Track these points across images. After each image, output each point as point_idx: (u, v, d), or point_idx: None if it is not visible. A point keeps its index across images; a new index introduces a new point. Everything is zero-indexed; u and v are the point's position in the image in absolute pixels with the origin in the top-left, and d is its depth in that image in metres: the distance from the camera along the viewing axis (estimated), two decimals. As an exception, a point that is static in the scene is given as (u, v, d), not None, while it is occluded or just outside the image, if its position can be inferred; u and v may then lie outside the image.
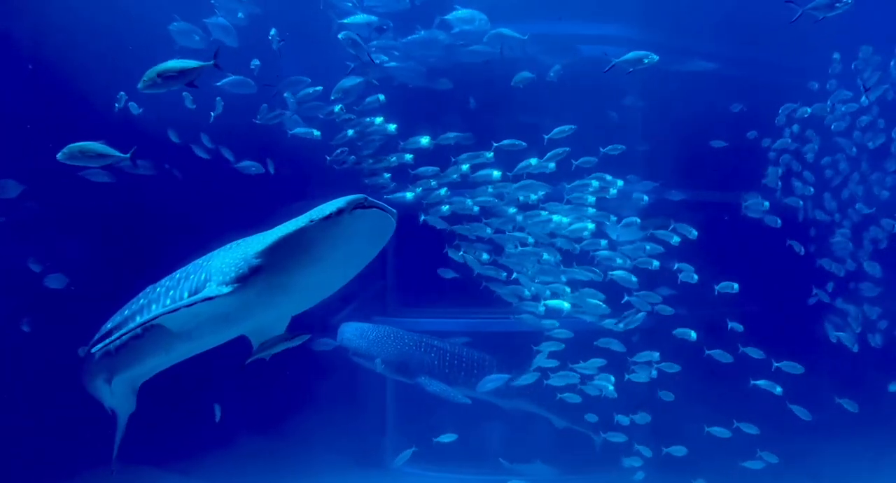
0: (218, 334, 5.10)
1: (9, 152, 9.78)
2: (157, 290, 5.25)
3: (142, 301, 5.36)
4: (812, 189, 11.42)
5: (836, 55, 11.19)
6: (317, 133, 9.45)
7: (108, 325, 5.63)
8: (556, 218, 9.40)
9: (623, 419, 9.93)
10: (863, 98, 11.11)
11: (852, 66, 11.26)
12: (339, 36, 8.37)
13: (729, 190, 11.53)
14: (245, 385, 10.45)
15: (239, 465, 10.62)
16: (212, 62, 5.70)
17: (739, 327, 10.07)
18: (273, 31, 9.39)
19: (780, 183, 11.36)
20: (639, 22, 10.64)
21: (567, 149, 9.11)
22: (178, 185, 10.48)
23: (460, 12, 10.08)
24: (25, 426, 9.72)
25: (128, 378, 5.71)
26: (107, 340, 5.48)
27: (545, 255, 9.44)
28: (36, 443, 9.75)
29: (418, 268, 10.23)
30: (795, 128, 11.28)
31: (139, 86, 5.69)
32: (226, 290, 4.64)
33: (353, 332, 10.24)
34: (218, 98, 9.66)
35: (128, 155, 5.73)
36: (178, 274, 5.19)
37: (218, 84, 9.12)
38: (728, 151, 11.26)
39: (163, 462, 10.28)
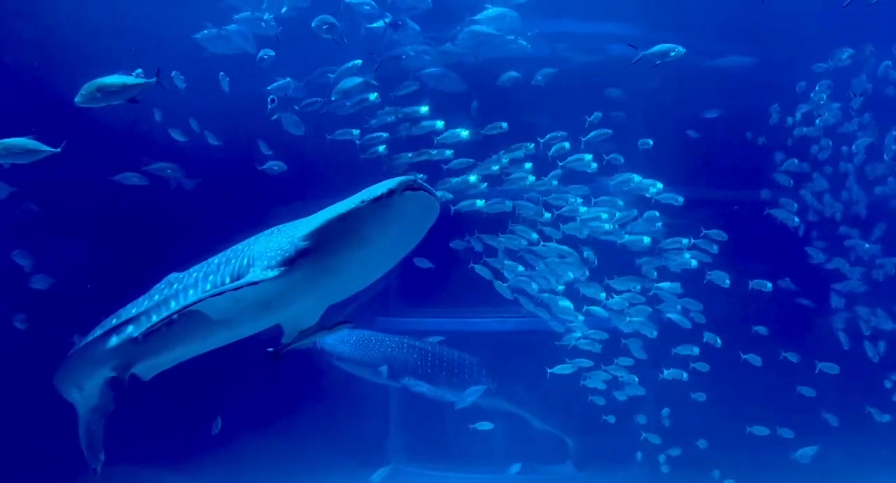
0: (257, 321, 4.97)
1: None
2: (194, 275, 5.12)
3: (175, 286, 5.19)
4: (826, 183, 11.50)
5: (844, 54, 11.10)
6: (356, 132, 9.42)
7: (133, 310, 5.43)
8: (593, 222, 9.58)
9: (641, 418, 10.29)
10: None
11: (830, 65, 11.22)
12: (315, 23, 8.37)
13: (734, 188, 11.52)
14: (247, 385, 10.45)
15: (241, 465, 10.60)
16: (154, 79, 5.62)
17: (763, 330, 10.38)
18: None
19: (791, 181, 11.34)
20: (661, 23, 10.54)
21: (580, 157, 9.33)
22: (180, 185, 10.45)
23: (491, 11, 10.06)
24: (26, 426, 9.71)
25: (147, 367, 5.51)
26: (127, 327, 5.39)
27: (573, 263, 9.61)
28: (37, 443, 9.75)
29: (421, 267, 10.16)
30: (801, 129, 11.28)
31: (76, 99, 5.60)
32: (272, 274, 4.53)
33: (334, 338, 10.20)
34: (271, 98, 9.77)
35: (58, 149, 5.63)
36: (216, 259, 5.07)
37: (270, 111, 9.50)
38: (733, 149, 11.26)
39: (163, 461, 10.26)
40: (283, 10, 9.39)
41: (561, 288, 9.88)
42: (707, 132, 11.25)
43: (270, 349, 5.04)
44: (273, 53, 9.19)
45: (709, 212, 10.35)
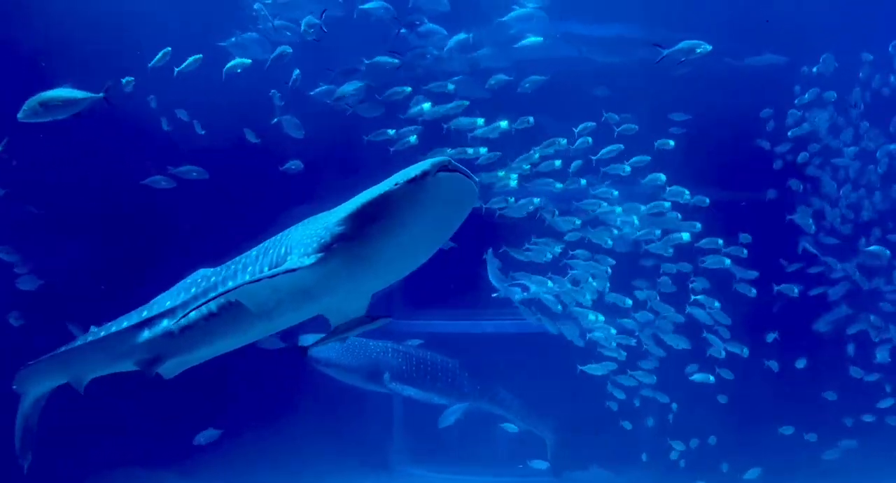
0: (297, 312, 4.82)
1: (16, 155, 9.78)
2: (232, 267, 5.01)
3: (213, 279, 5.06)
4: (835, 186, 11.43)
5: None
6: (391, 132, 9.33)
7: (167, 303, 5.26)
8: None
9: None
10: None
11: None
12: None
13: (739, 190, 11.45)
14: (250, 385, 10.46)
15: (244, 466, 10.59)
16: (101, 94, 5.53)
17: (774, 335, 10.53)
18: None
19: (802, 185, 11.30)
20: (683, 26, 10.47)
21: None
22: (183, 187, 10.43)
23: (518, 11, 10.01)
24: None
25: (178, 363, 5.33)
26: (161, 321, 5.18)
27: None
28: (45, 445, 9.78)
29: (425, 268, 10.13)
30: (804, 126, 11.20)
31: (19, 115, 5.49)
32: (308, 261, 4.44)
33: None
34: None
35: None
36: (254, 251, 4.96)
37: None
38: (738, 151, 11.20)
39: (166, 461, 10.26)
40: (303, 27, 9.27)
41: (589, 300, 9.99)
42: (722, 132, 11.16)
43: (302, 345, 4.99)
44: (290, 50, 9.09)
45: (723, 214, 10.29)
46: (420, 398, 9.92)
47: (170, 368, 5.34)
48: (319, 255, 4.44)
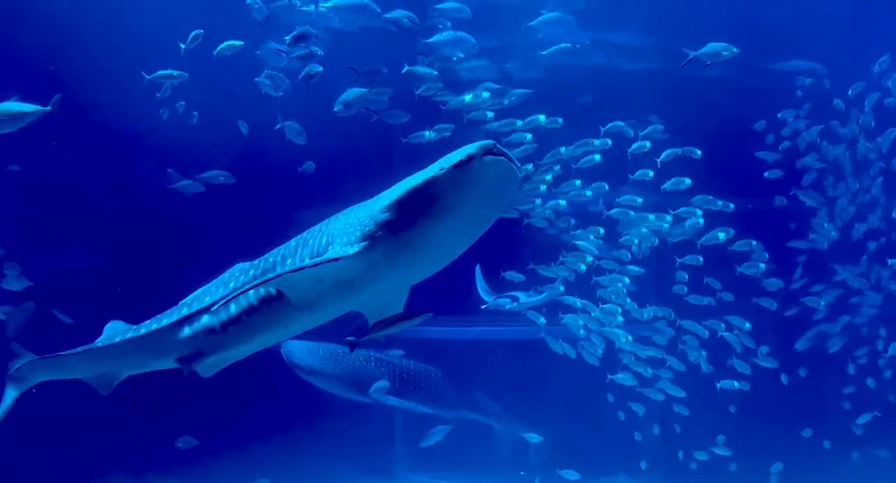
0: (340, 303, 4.72)
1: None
2: (270, 259, 4.87)
3: (253, 272, 4.92)
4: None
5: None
6: (428, 134, 9.24)
7: (206, 298, 5.10)
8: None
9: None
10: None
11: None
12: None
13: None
14: (255, 393, 10.42)
15: (246, 473, 10.56)
16: (49, 108, 5.45)
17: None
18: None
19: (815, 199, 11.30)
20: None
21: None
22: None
23: (547, 16, 9.98)
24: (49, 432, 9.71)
25: (219, 359, 5.17)
26: (201, 317, 5.03)
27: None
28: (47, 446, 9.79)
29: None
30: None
31: None
32: (352, 249, 4.36)
33: (302, 350, 10.00)
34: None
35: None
36: (293, 241, 4.83)
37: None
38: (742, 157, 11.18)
39: (168, 467, 10.23)
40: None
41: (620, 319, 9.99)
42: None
43: (350, 338, 4.88)
44: (321, 69, 8.99)
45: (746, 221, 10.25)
46: (403, 408, 9.87)
47: (209, 366, 5.21)
48: (363, 243, 4.36)
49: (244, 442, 10.39)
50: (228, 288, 5.00)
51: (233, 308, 4.85)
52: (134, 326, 5.30)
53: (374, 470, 11.23)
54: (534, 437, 10.59)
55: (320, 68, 8.83)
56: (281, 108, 9.71)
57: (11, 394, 5.77)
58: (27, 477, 9.80)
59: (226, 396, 9.71)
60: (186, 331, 5.09)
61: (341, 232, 4.50)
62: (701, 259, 9.61)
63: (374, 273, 4.49)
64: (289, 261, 4.71)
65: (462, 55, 9.76)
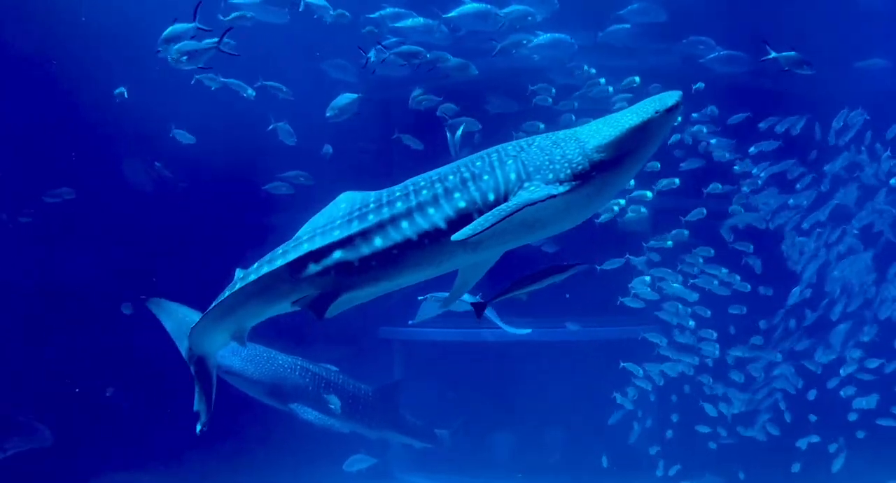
0: (505, 245, 4.48)
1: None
2: (424, 191, 4.43)
3: (399, 205, 4.43)
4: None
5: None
6: (453, 136, 9.17)
7: (336, 233, 4.51)
8: None
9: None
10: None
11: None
12: None
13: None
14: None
15: (238, 470, 10.54)
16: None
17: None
18: None
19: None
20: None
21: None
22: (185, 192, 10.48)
23: (544, 37, 9.65)
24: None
25: (346, 300, 4.65)
26: (332, 252, 4.48)
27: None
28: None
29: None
30: None
31: None
32: (562, 188, 4.19)
33: (224, 349, 9.51)
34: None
35: None
36: (448, 175, 4.43)
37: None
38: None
39: (157, 465, 10.25)
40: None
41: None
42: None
43: (476, 299, 4.74)
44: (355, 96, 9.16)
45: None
46: (320, 424, 9.20)
47: (333, 307, 4.65)
48: (574, 182, 4.22)
49: (241, 441, 10.37)
50: (368, 221, 4.47)
51: (378, 242, 4.41)
52: (240, 275, 4.77)
53: (371, 471, 11.18)
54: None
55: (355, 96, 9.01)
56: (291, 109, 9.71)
57: (203, 364, 5.35)
58: (28, 478, 9.82)
59: (223, 397, 9.72)
60: (313, 268, 4.54)
61: (543, 167, 4.29)
62: None
63: (564, 215, 4.36)
64: (457, 194, 4.36)
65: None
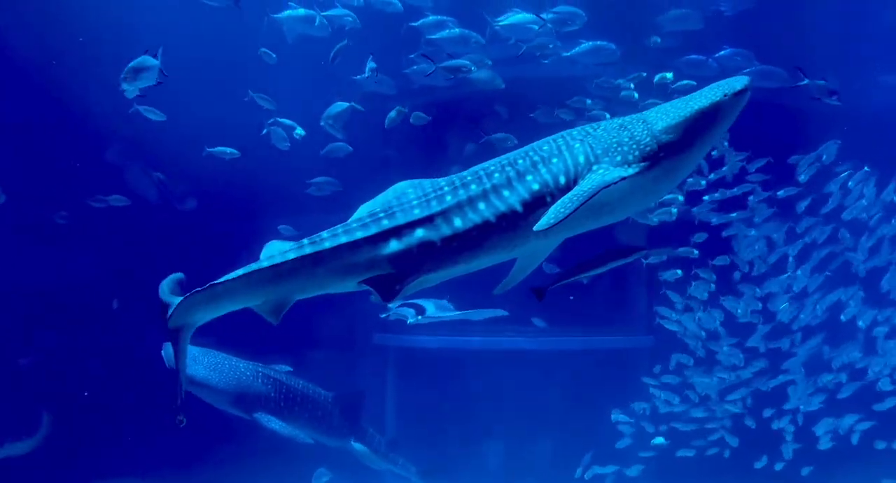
0: (574, 230, 4.49)
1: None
2: (496, 175, 4.41)
3: (474, 188, 4.38)
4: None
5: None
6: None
7: (416, 211, 4.40)
8: None
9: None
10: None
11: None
12: None
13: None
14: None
15: (230, 477, 10.51)
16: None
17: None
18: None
19: None
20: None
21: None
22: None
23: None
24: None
25: (417, 283, 4.50)
26: (414, 230, 4.36)
27: None
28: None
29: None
30: None
31: None
32: (631, 170, 4.21)
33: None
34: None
35: None
36: (517, 159, 4.42)
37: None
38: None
39: (150, 472, 10.20)
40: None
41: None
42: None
43: (537, 287, 4.67)
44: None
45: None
46: (284, 433, 8.96)
47: (404, 289, 4.49)
48: (643, 164, 4.26)
49: (225, 445, 10.34)
50: (445, 202, 4.41)
51: (458, 222, 4.34)
52: (306, 242, 4.45)
53: (364, 479, 11.17)
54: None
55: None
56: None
57: (178, 348, 4.77)
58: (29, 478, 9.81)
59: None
60: (394, 245, 4.38)
61: (610, 149, 4.32)
62: None
63: (630, 198, 4.37)
64: (529, 177, 4.36)
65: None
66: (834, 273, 10.26)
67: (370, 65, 8.97)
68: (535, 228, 4.18)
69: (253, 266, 4.39)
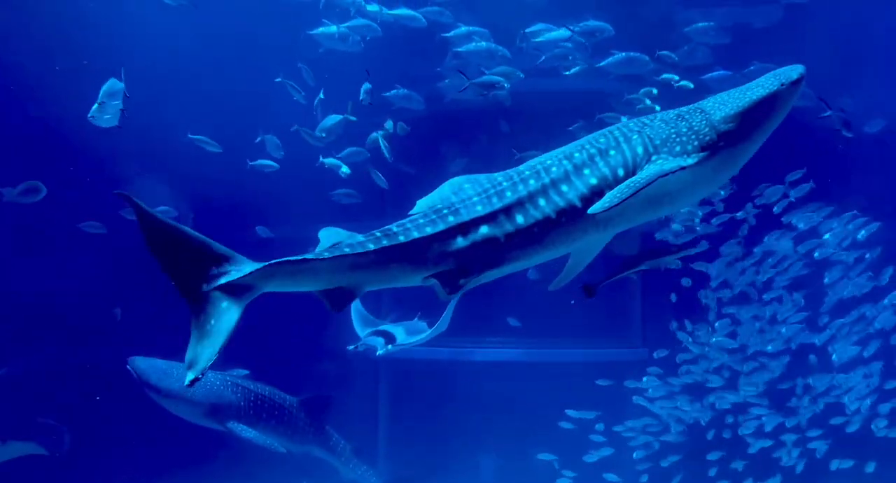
0: (631, 222, 4.46)
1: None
2: (553, 169, 4.40)
3: (533, 184, 4.38)
4: None
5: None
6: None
7: (479, 208, 4.39)
8: None
9: None
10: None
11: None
12: None
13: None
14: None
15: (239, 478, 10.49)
16: None
17: None
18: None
19: None
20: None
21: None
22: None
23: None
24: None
25: (481, 278, 4.50)
26: (479, 227, 4.36)
27: None
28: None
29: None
30: None
31: None
32: (691, 160, 4.21)
33: (157, 371, 8.77)
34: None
35: None
36: (574, 153, 4.41)
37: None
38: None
39: (149, 477, 10.19)
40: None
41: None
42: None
43: (587, 284, 4.73)
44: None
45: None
46: (259, 443, 8.89)
47: (468, 284, 4.51)
48: (702, 154, 4.27)
49: (216, 450, 10.32)
50: (506, 198, 4.40)
51: (520, 219, 4.35)
52: (376, 234, 4.39)
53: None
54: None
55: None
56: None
57: (236, 309, 4.21)
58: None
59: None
60: (460, 242, 4.39)
61: (669, 139, 4.33)
62: None
63: (690, 188, 4.39)
64: (587, 170, 4.36)
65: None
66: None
67: (365, 86, 9.03)
68: (590, 211, 4.18)
69: (336, 251, 4.27)
